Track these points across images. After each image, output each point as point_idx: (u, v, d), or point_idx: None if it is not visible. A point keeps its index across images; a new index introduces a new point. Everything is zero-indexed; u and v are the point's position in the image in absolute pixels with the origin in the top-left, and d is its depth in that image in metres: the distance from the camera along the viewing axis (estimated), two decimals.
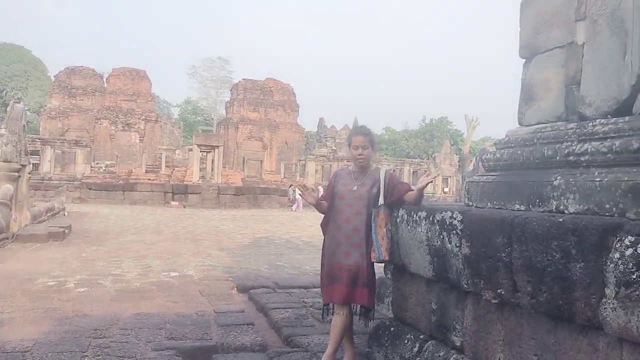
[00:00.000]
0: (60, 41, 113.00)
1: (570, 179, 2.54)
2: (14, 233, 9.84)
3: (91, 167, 29.61)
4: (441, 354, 2.98)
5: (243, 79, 42.29)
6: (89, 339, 3.92)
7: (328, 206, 3.44)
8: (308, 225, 16.97)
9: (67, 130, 36.36)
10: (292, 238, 12.67)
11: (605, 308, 1.92)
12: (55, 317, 4.56)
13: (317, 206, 3.48)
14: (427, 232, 3.02)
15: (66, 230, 10.98)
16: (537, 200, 2.71)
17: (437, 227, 2.91)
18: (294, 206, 26.95)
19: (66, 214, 16.78)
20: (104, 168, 30.19)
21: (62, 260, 7.80)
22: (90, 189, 26.68)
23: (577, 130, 2.70)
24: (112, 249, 9.33)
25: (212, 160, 28.63)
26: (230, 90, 44.88)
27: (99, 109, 37.35)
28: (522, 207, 2.80)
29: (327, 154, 36.50)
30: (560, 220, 2.14)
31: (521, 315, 2.45)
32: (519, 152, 3.03)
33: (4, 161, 10.52)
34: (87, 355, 3.56)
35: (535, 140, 2.97)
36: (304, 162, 34.87)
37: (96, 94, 38.58)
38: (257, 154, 38.43)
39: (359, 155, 3.39)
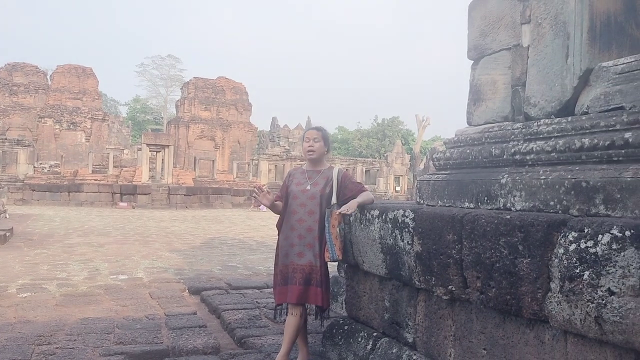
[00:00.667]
0: (1, 37, 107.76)
1: (517, 177, 2.62)
2: None
3: (34, 167, 28.36)
4: (394, 350, 3.02)
5: (194, 77, 41.53)
6: (32, 346, 3.75)
7: (282, 206, 3.42)
8: (261, 225, 16.86)
9: (8, 129, 34.70)
10: (245, 238, 12.56)
11: (550, 302, 1.99)
12: None
13: (272, 207, 3.44)
14: (380, 231, 3.05)
15: (7, 233, 10.48)
16: (486, 198, 2.78)
17: (390, 226, 2.95)
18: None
19: (7, 216, 16.02)
20: (48, 168, 28.98)
21: (3, 265, 7.43)
22: (33, 190, 25.59)
23: (523, 130, 2.79)
24: (57, 252, 8.97)
25: (162, 159, 28.01)
26: (181, 89, 44.00)
27: (42, 107, 35.84)
28: (472, 205, 2.86)
29: (280, 153, 36.40)
30: (508, 217, 2.20)
31: (471, 310, 2.51)
32: (468, 151, 3.10)
33: None
34: None
35: (483, 140, 3.04)
36: (257, 161, 34.63)
37: (39, 91, 37.00)
38: (209, 153, 37.85)
39: (309, 147, 3.38)
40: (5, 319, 4.54)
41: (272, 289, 5.95)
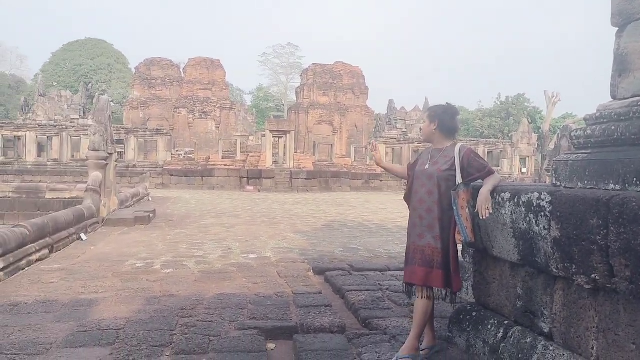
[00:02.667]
0: (139, 34, 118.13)
1: None
2: (103, 217, 10.49)
3: (172, 154, 30.91)
4: (528, 340, 2.88)
5: (312, 64, 42.36)
6: (176, 318, 4.12)
7: (409, 183, 3.47)
8: (380, 209, 16.88)
9: (148, 119, 38.10)
10: (365, 221, 12.65)
11: None
12: (144, 297, 4.83)
13: (388, 169, 3.94)
14: (511, 215, 2.90)
15: (151, 215, 11.56)
16: (635, 179, 2.52)
17: (523, 209, 2.79)
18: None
19: (150, 199, 17.65)
20: (183, 155, 31.44)
21: (148, 243, 8.23)
22: (171, 175, 27.92)
23: None
24: (194, 232, 9.74)
25: (284, 145, 29.05)
26: (300, 76, 45.16)
27: (177, 99, 38.82)
28: (618, 187, 2.62)
29: (397, 136, 35.98)
30: None
31: (618, 301, 2.31)
32: (613, 127, 2.83)
33: (93, 150, 11.21)
34: (175, 334, 3.74)
35: (631, 115, 2.76)
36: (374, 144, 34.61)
37: (174, 84, 40.08)
38: (328, 138, 38.55)
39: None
40: (152, 293, 5.03)
41: (393, 271, 5.99)
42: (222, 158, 30.13)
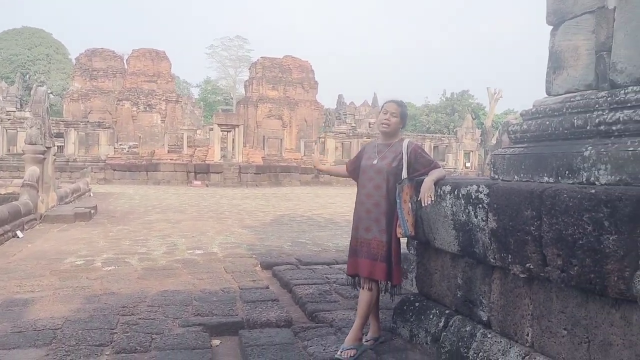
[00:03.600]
0: (79, 23, 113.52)
1: (602, 149, 2.46)
2: (41, 214, 10.05)
3: (114, 148, 29.97)
4: (468, 328, 2.96)
5: (261, 57, 42.00)
6: (117, 316, 3.99)
7: (354, 175, 3.50)
8: (329, 203, 16.99)
9: (90, 112, 36.75)
10: (314, 215, 12.70)
11: (639, 281, 1.87)
12: (84, 296, 4.65)
13: (327, 171, 3.86)
14: (452, 207, 2.97)
15: (92, 211, 11.17)
16: (567, 172, 2.63)
17: (463, 202, 2.86)
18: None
19: (92, 194, 17.07)
20: (127, 149, 30.55)
21: (89, 240, 7.94)
22: (114, 170, 27.08)
23: (609, 99, 2.61)
24: (137, 229, 9.47)
25: (233, 139, 28.73)
26: (249, 69, 44.69)
27: (120, 91, 37.62)
28: (551, 180, 2.73)
29: (347, 130, 36.30)
30: (593, 191, 2.08)
31: (551, 289, 2.41)
32: (547, 122, 2.94)
33: (29, 144, 10.70)
34: (116, 332, 3.62)
35: (564, 110, 2.88)
36: (323, 139, 34.78)
37: (117, 75, 38.81)
38: (277, 132, 38.40)
39: (385, 119, 3.32)
40: (92, 291, 4.85)
41: (341, 264, 6.03)
42: (168, 152, 29.46)
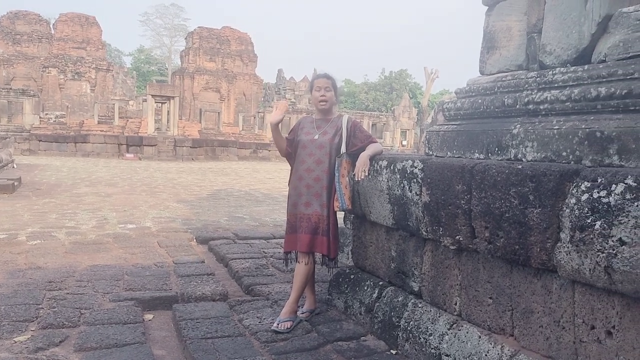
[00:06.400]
0: None
1: (529, 128, 2.57)
2: None
3: (40, 117, 28.30)
4: (400, 299, 3.06)
5: (198, 27, 40.71)
6: (43, 292, 3.82)
7: (289, 153, 3.40)
8: (267, 178, 16.91)
9: (13, 79, 34.45)
10: (252, 190, 12.61)
11: (560, 252, 1.98)
12: (7, 270, 4.42)
13: (276, 132, 3.34)
14: (387, 181, 3.03)
15: (16, 183, 10.55)
16: (497, 149, 2.74)
17: (398, 176, 2.92)
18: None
19: (15, 166, 16.11)
20: (54, 119, 28.92)
21: (12, 213, 7.52)
22: (40, 141, 25.62)
23: (538, 79, 2.72)
24: (65, 202, 9.05)
25: (168, 111, 27.84)
26: (185, 39, 43.22)
27: (46, 57, 35.42)
28: (482, 156, 2.83)
29: (286, 106, 36.10)
30: (519, 167, 2.17)
31: (478, 260, 2.52)
32: (480, 100, 3.03)
33: None
34: (42, 307, 3.47)
35: (496, 89, 2.98)
36: (262, 114, 34.40)
37: (43, 40, 36.48)
38: (215, 105, 37.56)
39: (321, 96, 3.29)
40: (16, 265, 4.61)
41: (278, 239, 6.04)
42: (98, 123, 28.21)
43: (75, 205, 8.70)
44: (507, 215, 2.18)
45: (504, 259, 2.32)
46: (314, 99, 3.37)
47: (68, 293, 3.82)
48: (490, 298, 2.46)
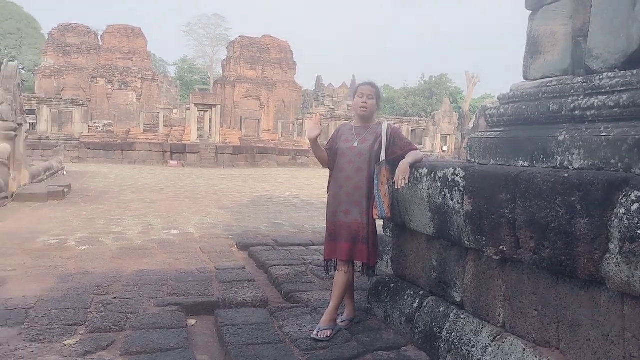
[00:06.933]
0: None
1: (576, 134, 2.50)
2: (13, 192, 9.82)
3: (89, 126, 29.36)
4: (441, 309, 3.01)
5: (239, 37, 41.43)
6: (91, 296, 3.95)
7: (329, 162, 3.39)
8: (306, 185, 16.99)
9: (63, 89, 35.89)
10: (291, 197, 12.69)
11: (608, 263, 1.92)
12: (57, 275, 4.59)
13: (315, 145, 3.28)
14: (428, 189, 3.00)
15: (66, 190, 10.97)
16: (542, 156, 2.67)
17: (439, 184, 2.89)
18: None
19: (65, 173, 16.75)
20: (101, 127, 29.96)
21: (62, 219, 7.81)
22: (88, 149, 26.56)
23: (584, 84, 2.65)
24: (112, 208, 9.35)
25: (210, 119, 28.39)
26: (227, 48, 44.04)
27: (94, 68, 36.76)
28: (526, 164, 2.77)
29: (325, 112, 36.20)
30: (566, 175, 2.11)
31: (523, 271, 2.46)
32: (524, 107, 2.97)
33: (0, 120, 10.40)
34: (90, 311, 3.59)
35: (540, 95, 2.91)
36: (301, 121, 34.63)
37: (91, 52, 37.89)
38: (255, 112, 38.06)
39: (362, 103, 3.30)
40: (66, 270, 4.79)
41: (317, 246, 6.05)
42: (144, 131, 29.04)
43: (122, 211, 8.97)
44: (553, 225, 2.12)
45: (549, 270, 2.26)
46: (354, 104, 3.37)
47: (115, 297, 3.93)
48: (536, 310, 2.39)
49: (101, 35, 38.39)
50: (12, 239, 6.14)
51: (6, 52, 50.27)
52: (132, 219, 8.13)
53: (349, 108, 37.53)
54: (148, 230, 7.15)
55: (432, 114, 43.14)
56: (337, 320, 3.33)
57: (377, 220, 3.29)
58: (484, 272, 2.73)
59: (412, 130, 37.65)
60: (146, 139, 27.76)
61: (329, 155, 3.40)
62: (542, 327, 2.36)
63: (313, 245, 6.24)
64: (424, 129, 38.22)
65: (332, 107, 39.36)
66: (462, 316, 2.85)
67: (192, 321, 3.61)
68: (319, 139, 3.29)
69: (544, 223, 2.17)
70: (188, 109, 30.46)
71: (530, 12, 3.23)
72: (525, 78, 3.23)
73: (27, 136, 12.25)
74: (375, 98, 3.33)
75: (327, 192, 3.43)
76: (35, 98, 28.80)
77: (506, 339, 2.51)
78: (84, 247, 5.84)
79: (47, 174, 14.32)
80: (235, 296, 4.04)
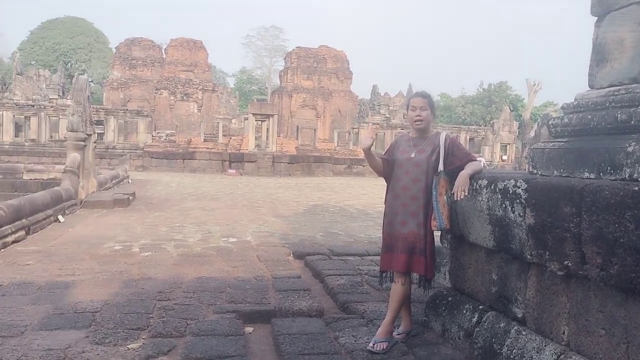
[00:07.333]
0: (120, 13, 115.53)
1: None
2: (82, 199, 10.36)
3: (152, 136, 30.52)
4: (502, 325, 2.93)
5: (296, 47, 42.03)
6: (154, 301, 4.10)
7: (386, 173, 3.39)
8: (362, 194, 16.94)
9: (129, 100, 37.55)
10: (346, 206, 12.70)
11: None
12: (122, 280, 4.79)
13: (369, 154, 3.33)
14: (488, 201, 2.93)
15: (130, 197, 11.45)
16: (609, 168, 2.56)
17: (499, 196, 2.82)
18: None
19: (130, 181, 17.48)
20: (164, 137, 31.08)
21: (127, 226, 8.16)
22: (152, 158, 27.62)
23: None
24: (173, 215, 9.67)
25: (267, 128, 28.88)
26: (284, 59, 44.80)
27: (158, 80, 38.27)
28: (592, 175, 2.65)
29: (381, 121, 36.01)
30: (636, 189, 2.02)
31: (589, 287, 2.36)
32: (589, 116, 2.86)
33: (71, 131, 11.02)
34: (152, 317, 3.73)
35: (607, 104, 2.79)
36: (357, 130, 34.61)
37: (155, 64, 39.52)
38: (311, 122, 38.41)
39: (416, 116, 3.27)
40: (130, 275, 4.99)
41: (373, 256, 6.02)
42: (204, 141, 29.85)
43: (182, 218, 9.26)
44: (621, 240, 2.03)
45: (618, 288, 2.15)
46: (409, 119, 3.35)
47: (176, 303, 4.06)
48: (603, 329, 2.29)
49: (165, 49, 39.95)
50: (80, 245, 6.47)
51: (76, 65, 53.17)
52: (192, 226, 8.38)
53: (405, 117, 37.24)
54: (207, 237, 7.35)
55: (491, 122, 42.09)
56: (394, 333, 3.30)
57: (435, 231, 3.24)
58: (547, 287, 2.64)
59: (470, 139, 36.85)
60: (206, 148, 28.55)
61: (386, 166, 3.40)
62: (610, 346, 2.24)
63: (368, 255, 6.21)
64: (482, 138, 37.32)
65: (388, 115, 39.10)
66: (523, 332, 2.76)
67: (249, 329, 3.68)
68: (374, 147, 3.30)
69: (612, 238, 2.07)
70: (246, 118, 31.15)
71: (597, 18, 3.10)
72: (591, 87, 3.10)
73: (95, 146, 12.89)
74: (429, 108, 3.29)
75: (384, 203, 3.42)
76: (103, 109, 30.28)
77: (571, 357, 2.41)
78: (147, 254, 6.07)
79: (114, 182, 15.00)
80: (291, 305, 4.08)
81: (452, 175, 3.19)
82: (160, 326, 3.52)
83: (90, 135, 11.80)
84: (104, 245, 6.51)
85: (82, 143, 11.15)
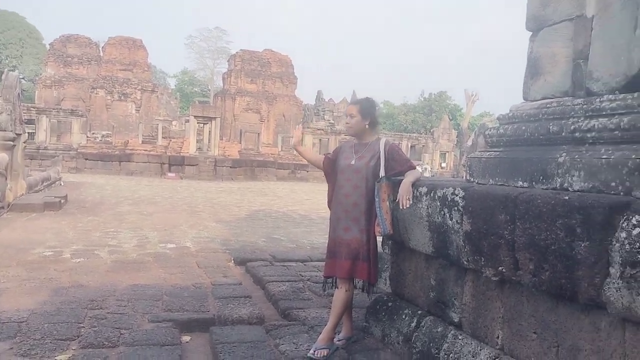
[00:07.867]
0: (55, 8, 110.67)
1: (576, 156, 2.49)
2: (9, 202, 9.78)
3: (87, 137, 29.36)
4: (439, 329, 2.98)
5: (241, 50, 41.70)
6: (85, 310, 3.91)
7: (327, 170, 3.50)
8: (305, 199, 16.96)
9: (63, 99, 35.97)
10: (289, 211, 12.66)
11: (609, 288, 1.90)
12: (51, 288, 4.54)
13: (301, 151, 3.70)
14: (427, 208, 2.98)
15: (62, 200, 10.93)
16: (541, 177, 2.66)
17: (439, 204, 2.87)
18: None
19: (62, 183, 16.72)
20: (100, 138, 29.97)
21: (58, 230, 7.77)
22: (86, 159, 26.54)
23: (584, 106, 2.64)
24: (108, 220, 9.30)
25: (209, 131, 28.43)
26: (228, 61, 44.30)
27: (94, 79, 36.90)
28: (526, 184, 2.75)
29: (325, 127, 36.25)
30: (566, 198, 2.10)
31: (522, 293, 2.44)
32: (524, 127, 2.96)
33: None
34: (83, 326, 3.55)
35: (540, 116, 2.91)
36: (302, 135, 34.69)
37: (92, 63, 38.09)
38: (254, 126, 38.16)
39: (346, 123, 3.45)
40: (60, 283, 4.74)
41: (315, 262, 6.02)
42: (142, 143, 29.02)
43: (117, 223, 8.92)
44: (552, 247, 2.10)
45: (549, 293, 2.23)
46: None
47: (109, 312, 3.89)
48: (535, 333, 2.37)
49: (102, 47, 38.60)
50: (6, 250, 6.09)
51: (7, 61, 50.44)
52: (127, 231, 8.09)
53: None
54: (144, 243, 7.11)
55: (431, 130, 43.29)
56: (334, 339, 3.29)
57: (378, 237, 3.27)
58: (482, 292, 2.71)
59: (411, 147, 37.74)
60: (144, 150, 27.74)
61: (327, 164, 3.51)
62: (541, 350, 2.32)
63: (311, 261, 6.20)
64: (423, 145, 38.33)
65: (332, 121, 39.40)
66: (460, 337, 2.82)
67: (186, 338, 3.57)
68: (306, 147, 3.38)
69: (543, 245, 2.15)
70: (187, 121, 30.52)
71: (531, 33, 3.24)
72: (525, 99, 3.23)
73: (25, 146, 12.24)
74: (359, 115, 3.35)
75: (329, 207, 3.46)
76: (34, 108, 28.85)
77: None
78: (79, 260, 5.80)
79: (45, 184, 14.27)
80: (231, 313, 4.00)
81: (393, 181, 3.23)
82: (92, 336, 3.35)
83: (20, 134, 11.18)
84: (33, 250, 6.16)
85: (11, 143, 10.54)
